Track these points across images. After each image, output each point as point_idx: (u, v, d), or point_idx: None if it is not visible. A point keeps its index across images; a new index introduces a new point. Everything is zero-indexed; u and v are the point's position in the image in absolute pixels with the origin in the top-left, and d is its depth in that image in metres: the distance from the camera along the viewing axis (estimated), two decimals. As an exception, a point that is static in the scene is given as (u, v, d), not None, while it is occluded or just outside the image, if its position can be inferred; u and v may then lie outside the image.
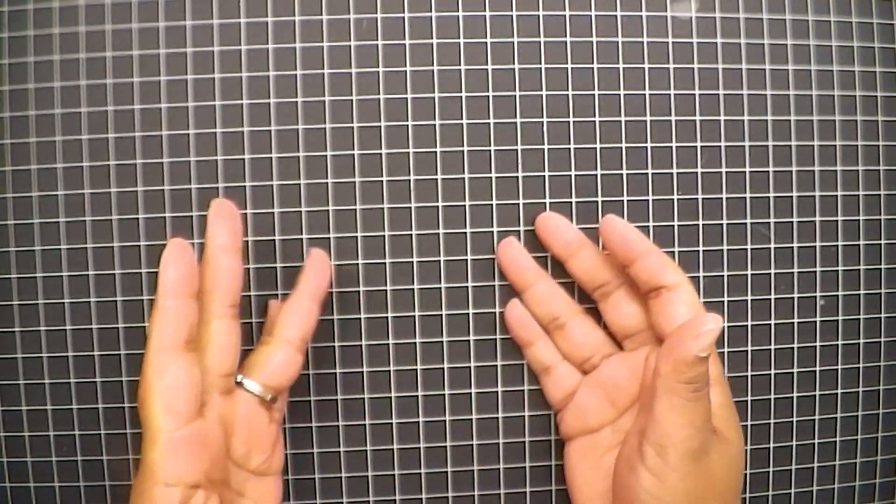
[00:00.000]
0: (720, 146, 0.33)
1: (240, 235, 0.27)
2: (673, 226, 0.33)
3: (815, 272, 0.33)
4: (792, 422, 0.33)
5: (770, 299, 0.33)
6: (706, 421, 0.25)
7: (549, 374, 0.31)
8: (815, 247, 0.33)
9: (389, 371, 0.32)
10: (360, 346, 0.32)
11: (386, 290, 0.32)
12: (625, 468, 0.27)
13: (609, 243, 0.29)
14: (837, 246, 0.33)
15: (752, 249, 0.33)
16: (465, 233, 0.32)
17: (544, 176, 0.32)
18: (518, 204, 0.32)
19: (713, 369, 0.27)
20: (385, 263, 0.32)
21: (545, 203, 0.32)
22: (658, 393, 0.25)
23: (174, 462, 0.23)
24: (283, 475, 0.32)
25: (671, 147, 0.32)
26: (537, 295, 0.31)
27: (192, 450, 0.24)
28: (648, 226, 0.32)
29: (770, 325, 0.33)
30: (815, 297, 0.33)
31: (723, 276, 0.33)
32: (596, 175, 0.32)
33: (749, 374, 0.33)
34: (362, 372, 0.32)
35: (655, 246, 0.28)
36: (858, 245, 0.33)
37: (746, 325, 0.33)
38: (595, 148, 0.32)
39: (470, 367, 0.32)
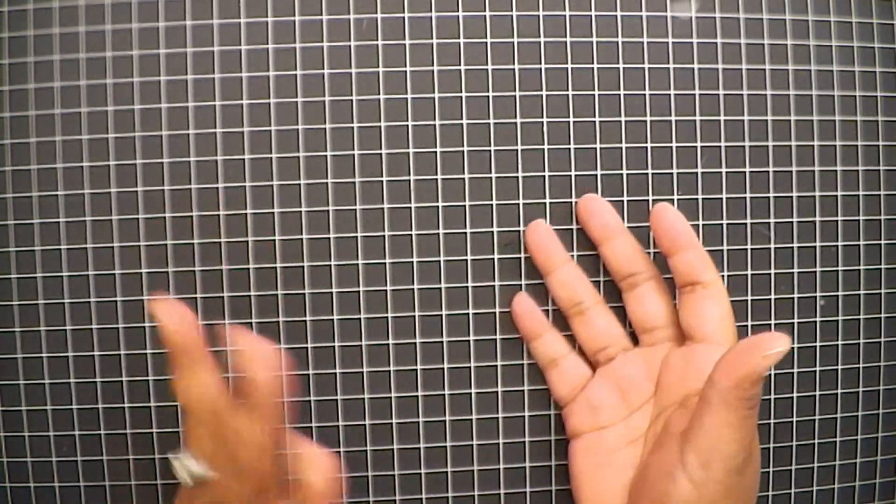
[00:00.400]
0: (720, 146, 0.33)
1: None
2: (673, 226, 0.33)
3: (815, 272, 0.33)
4: (792, 422, 0.33)
5: (770, 299, 0.33)
6: (754, 438, 0.25)
7: (555, 367, 0.31)
8: (815, 247, 0.33)
9: (389, 371, 0.32)
10: (360, 346, 0.32)
11: (386, 290, 0.32)
12: (659, 472, 0.26)
13: (657, 230, 0.29)
14: (837, 246, 0.33)
15: (752, 249, 0.33)
16: (465, 233, 0.32)
17: (544, 176, 0.32)
18: (518, 204, 0.32)
19: None
20: (385, 263, 0.32)
21: (545, 203, 0.32)
22: (713, 406, 0.24)
23: None
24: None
25: (671, 147, 0.32)
26: (562, 278, 0.31)
27: None
28: (648, 225, 0.32)
29: (770, 325, 0.33)
30: (815, 297, 0.33)
31: (723, 276, 0.33)
32: (596, 175, 0.32)
33: (749, 374, 0.33)
34: (362, 372, 0.32)
35: (700, 243, 0.29)
36: (858, 245, 0.33)
37: (746, 326, 0.33)
38: (595, 148, 0.32)
39: (470, 367, 0.32)
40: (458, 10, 0.32)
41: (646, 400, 0.29)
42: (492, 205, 0.32)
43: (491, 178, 0.32)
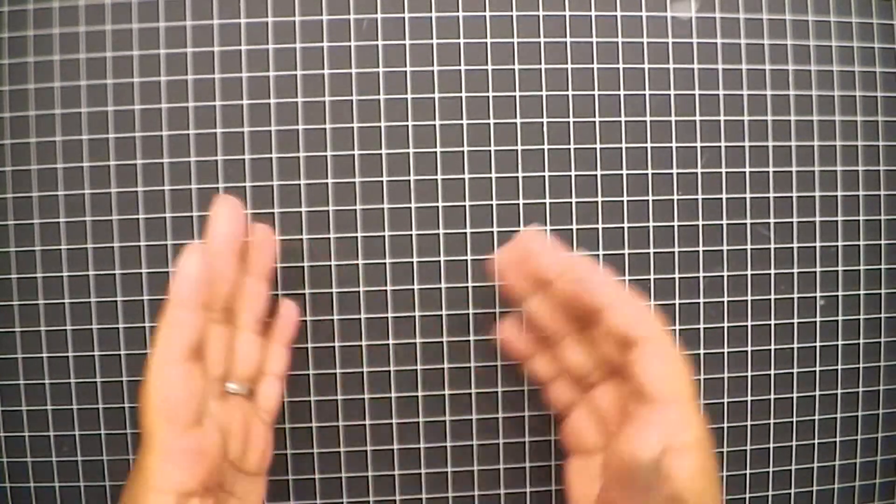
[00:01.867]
0: (720, 146, 0.33)
1: (240, 235, 0.26)
2: (673, 226, 0.33)
3: (815, 272, 0.33)
4: (792, 422, 0.33)
5: (770, 299, 0.33)
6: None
7: (547, 388, 0.30)
8: (815, 247, 0.33)
9: (389, 371, 0.32)
10: (361, 346, 0.32)
11: (386, 290, 0.32)
12: None
13: (571, 291, 0.26)
14: (837, 246, 0.33)
15: (752, 249, 0.33)
16: (465, 233, 0.32)
17: (544, 176, 0.32)
18: (518, 204, 0.32)
19: (693, 433, 0.25)
20: (385, 263, 0.32)
21: (545, 203, 0.32)
22: (608, 481, 0.24)
23: (170, 471, 0.23)
24: (284, 475, 0.32)
25: (671, 147, 0.32)
26: (533, 308, 0.28)
27: (189, 459, 0.23)
28: (648, 226, 0.32)
29: (770, 325, 0.33)
30: (815, 297, 0.33)
31: (723, 276, 0.33)
32: (596, 175, 0.32)
33: (749, 374, 0.33)
34: (362, 372, 0.32)
35: (624, 293, 0.26)
36: (858, 245, 0.33)
37: (746, 325, 0.33)
38: (595, 148, 0.32)
39: (470, 368, 0.32)
40: (458, 10, 0.32)
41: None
42: (492, 205, 0.32)
43: (491, 178, 0.32)
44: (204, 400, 0.25)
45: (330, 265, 0.32)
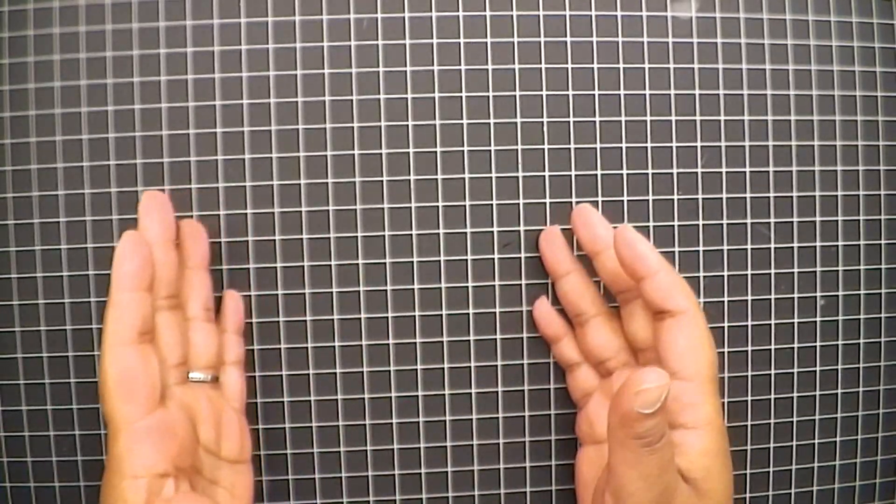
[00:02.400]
0: (720, 146, 0.33)
1: (172, 226, 0.27)
2: (673, 226, 0.33)
3: (815, 272, 0.33)
4: (792, 422, 0.33)
5: (770, 299, 0.33)
6: (664, 471, 0.24)
7: (572, 372, 0.31)
8: (815, 247, 0.33)
9: (389, 371, 0.32)
10: (361, 346, 0.32)
11: (386, 290, 0.32)
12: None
13: (619, 256, 0.27)
14: (837, 246, 0.33)
15: (752, 249, 0.33)
16: (465, 233, 0.32)
17: (544, 176, 0.32)
18: (518, 204, 0.32)
19: (703, 413, 0.25)
20: (385, 263, 0.32)
21: (545, 203, 0.32)
22: (611, 446, 0.24)
23: (139, 453, 0.23)
24: (284, 475, 0.32)
25: (671, 147, 0.32)
26: (566, 287, 0.30)
27: (156, 439, 0.24)
28: (648, 226, 0.32)
29: (770, 325, 0.33)
30: (815, 297, 0.33)
31: (723, 276, 0.33)
32: (596, 175, 0.32)
33: (749, 374, 0.33)
34: (362, 372, 0.32)
35: (667, 264, 0.27)
36: (858, 245, 0.33)
37: (746, 325, 0.33)
38: (595, 148, 0.32)
39: (470, 367, 0.32)
40: (458, 10, 0.32)
41: None
42: (492, 205, 0.32)
43: (491, 178, 0.32)
44: (162, 380, 0.25)
45: (330, 265, 0.32)
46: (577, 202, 0.32)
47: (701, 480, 0.25)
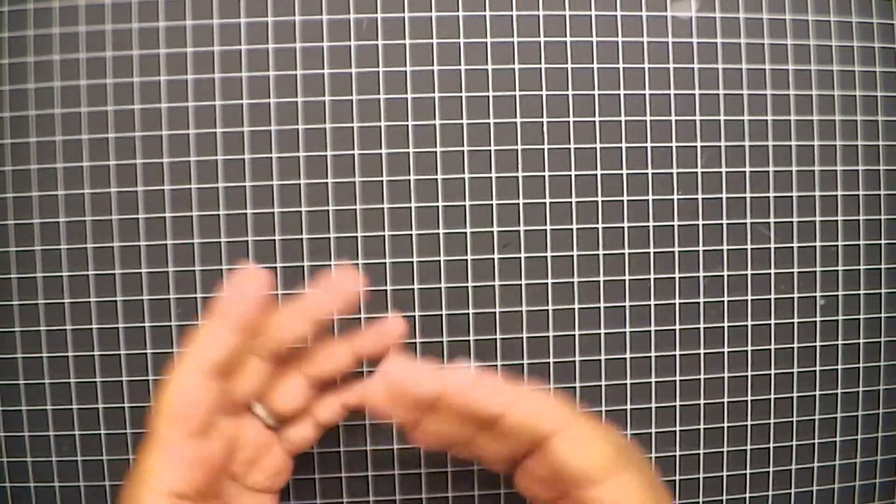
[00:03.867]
0: (720, 146, 0.33)
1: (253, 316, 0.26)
2: (673, 226, 0.33)
3: (815, 272, 0.33)
4: (792, 422, 0.33)
5: (770, 299, 0.33)
6: None
7: (482, 463, 0.27)
8: (815, 247, 0.33)
9: (389, 371, 0.32)
10: (360, 346, 0.32)
11: (386, 291, 0.32)
12: None
13: (459, 408, 0.24)
14: (837, 246, 0.33)
15: (752, 249, 0.33)
16: (465, 233, 0.32)
17: (544, 176, 0.32)
18: (518, 204, 0.32)
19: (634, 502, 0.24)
20: (385, 263, 0.32)
21: (545, 203, 0.32)
22: None
23: (168, 473, 0.24)
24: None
25: (671, 147, 0.32)
26: (432, 428, 0.25)
27: (188, 465, 0.24)
28: (648, 226, 0.32)
29: (770, 325, 0.33)
30: (815, 297, 0.33)
31: (723, 276, 0.33)
32: (596, 175, 0.32)
33: (749, 374, 0.33)
34: (362, 372, 0.32)
35: (512, 393, 0.24)
36: (858, 245, 0.33)
37: (746, 325, 0.33)
38: (595, 148, 0.32)
39: (470, 368, 0.32)
40: (458, 10, 0.32)
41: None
42: (492, 205, 0.32)
43: (491, 178, 0.32)
44: (215, 416, 0.25)
45: (330, 265, 0.32)
46: (551, 202, 0.32)
47: None
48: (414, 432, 0.26)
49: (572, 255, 0.32)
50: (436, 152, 0.32)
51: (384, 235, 0.32)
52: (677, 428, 0.33)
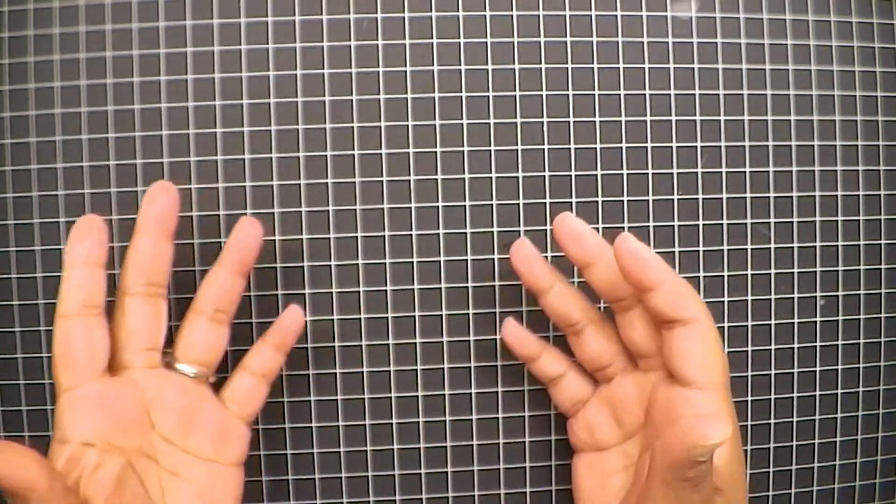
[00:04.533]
0: (720, 146, 0.33)
1: (103, 248, 0.26)
2: (673, 226, 0.33)
3: (815, 272, 0.33)
4: (792, 422, 0.33)
5: (770, 299, 0.33)
6: (705, 502, 0.23)
7: (556, 385, 0.30)
8: (815, 247, 0.33)
9: (389, 371, 0.32)
10: (361, 346, 0.32)
11: (386, 291, 0.32)
12: None
13: (622, 268, 0.26)
14: (837, 246, 0.33)
15: (752, 249, 0.33)
16: (465, 233, 0.32)
17: (544, 176, 0.32)
18: (518, 204, 0.32)
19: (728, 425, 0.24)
20: (385, 263, 0.32)
21: (545, 203, 0.32)
22: (652, 480, 0.23)
23: (69, 419, 0.24)
24: (284, 475, 0.32)
25: (671, 147, 0.32)
26: (553, 301, 0.29)
27: (88, 409, 0.24)
28: (648, 226, 0.32)
29: (770, 325, 0.33)
30: (815, 297, 0.33)
31: (723, 276, 0.33)
32: (596, 175, 0.32)
33: (749, 374, 0.33)
34: (362, 372, 0.32)
35: (672, 272, 0.26)
36: (858, 245, 0.33)
37: (746, 325, 0.33)
38: (595, 148, 0.32)
39: (470, 367, 0.32)
40: (458, 10, 0.32)
41: (638, 427, 0.28)
42: (492, 205, 0.32)
43: (491, 178, 0.32)
44: (121, 359, 0.26)
45: (330, 265, 0.32)
46: (551, 202, 0.32)
47: (727, 489, 0.25)
48: (543, 298, 0.29)
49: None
50: (436, 152, 0.32)
51: (384, 235, 0.32)
52: (677, 428, 0.33)
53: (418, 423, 0.32)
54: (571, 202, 0.32)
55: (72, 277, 0.25)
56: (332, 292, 0.32)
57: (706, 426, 0.22)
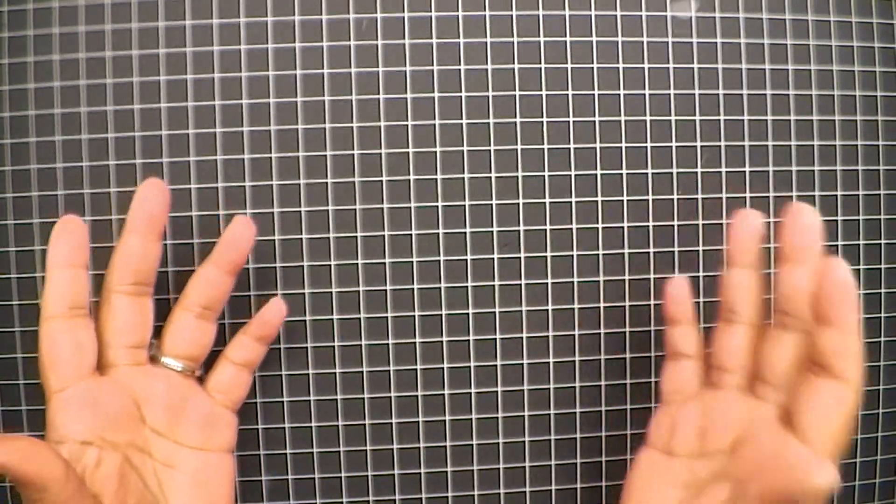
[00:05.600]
0: (720, 146, 0.33)
1: (84, 248, 0.26)
2: (673, 226, 0.33)
3: (815, 272, 0.33)
4: (792, 422, 0.33)
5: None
6: None
7: (676, 362, 0.28)
8: (815, 247, 0.33)
9: (389, 371, 0.32)
10: (360, 346, 0.32)
11: (386, 290, 0.32)
12: None
13: (823, 289, 0.23)
14: (837, 246, 0.33)
15: (751, 249, 0.33)
16: (465, 233, 0.32)
17: (544, 176, 0.32)
18: (518, 204, 0.32)
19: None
20: (385, 263, 0.32)
21: (545, 203, 0.32)
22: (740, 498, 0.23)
23: (62, 420, 0.24)
24: (284, 475, 0.32)
25: (671, 147, 0.32)
26: (738, 280, 0.27)
27: (80, 409, 0.24)
28: (648, 225, 0.32)
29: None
30: (815, 296, 0.33)
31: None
32: (596, 175, 0.32)
33: (749, 373, 0.33)
34: (362, 372, 0.32)
35: (857, 326, 0.23)
36: (858, 245, 0.33)
37: (746, 325, 0.33)
38: (595, 148, 0.32)
39: (470, 367, 0.32)
40: (458, 10, 0.32)
41: (717, 451, 0.26)
42: (491, 205, 0.32)
43: (491, 177, 0.32)
44: (107, 357, 0.26)
45: (330, 265, 0.32)
46: (551, 202, 0.32)
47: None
48: (734, 270, 0.27)
49: (572, 255, 0.32)
50: (435, 152, 0.32)
51: (384, 235, 0.32)
52: (677, 428, 0.33)
53: (418, 422, 0.32)
54: (571, 202, 0.32)
55: (55, 279, 0.25)
56: (331, 292, 0.32)
57: (817, 467, 0.21)
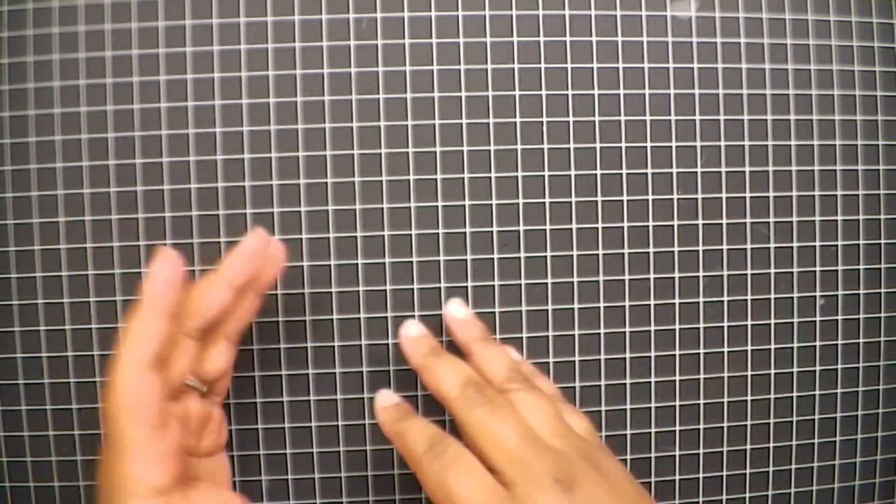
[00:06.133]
0: (720, 146, 0.33)
1: (175, 292, 0.25)
2: (673, 226, 0.33)
3: (815, 272, 0.33)
4: (791, 421, 0.33)
5: (770, 299, 0.33)
6: None
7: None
8: (814, 247, 0.33)
9: (389, 371, 0.32)
10: (360, 345, 0.32)
11: (386, 290, 0.32)
12: None
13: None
14: (837, 246, 0.33)
15: (752, 249, 0.33)
16: (465, 233, 0.32)
17: (544, 176, 0.32)
18: (518, 204, 0.32)
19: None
20: (385, 263, 0.32)
21: (545, 203, 0.32)
22: None
23: (148, 475, 0.23)
24: (284, 475, 0.32)
25: (671, 147, 0.32)
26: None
27: (161, 460, 0.24)
28: (648, 225, 0.32)
29: (770, 324, 0.33)
30: (815, 297, 0.33)
31: (723, 275, 0.33)
32: (596, 175, 0.32)
33: (749, 374, 0.33)
34: (362, 372, 0.32)
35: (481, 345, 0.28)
36: (858, 245, 0.33)
37: (746, 325, 0.33)
38: (595, 148, 0.32)
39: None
40: (457, 10, 0.32)
41: None
42: (491, 205, 0.32)
43: (491, 177, 0.32)
44: (166, 402, 0.25)
45: (330, 265, 0.32)
46: (551, 202, 0.32)
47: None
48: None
49: (572, 255, 0.32)
50: (435, 152, 0.32)
51: (384, 235, 0.32)
52: (677, 428, 0.33)
53: (418, 422, 0.32)
54: (571, 202, 0.32)
55: (148, 325, 0.24)
56: (331, 292, 0.32)
57: None
